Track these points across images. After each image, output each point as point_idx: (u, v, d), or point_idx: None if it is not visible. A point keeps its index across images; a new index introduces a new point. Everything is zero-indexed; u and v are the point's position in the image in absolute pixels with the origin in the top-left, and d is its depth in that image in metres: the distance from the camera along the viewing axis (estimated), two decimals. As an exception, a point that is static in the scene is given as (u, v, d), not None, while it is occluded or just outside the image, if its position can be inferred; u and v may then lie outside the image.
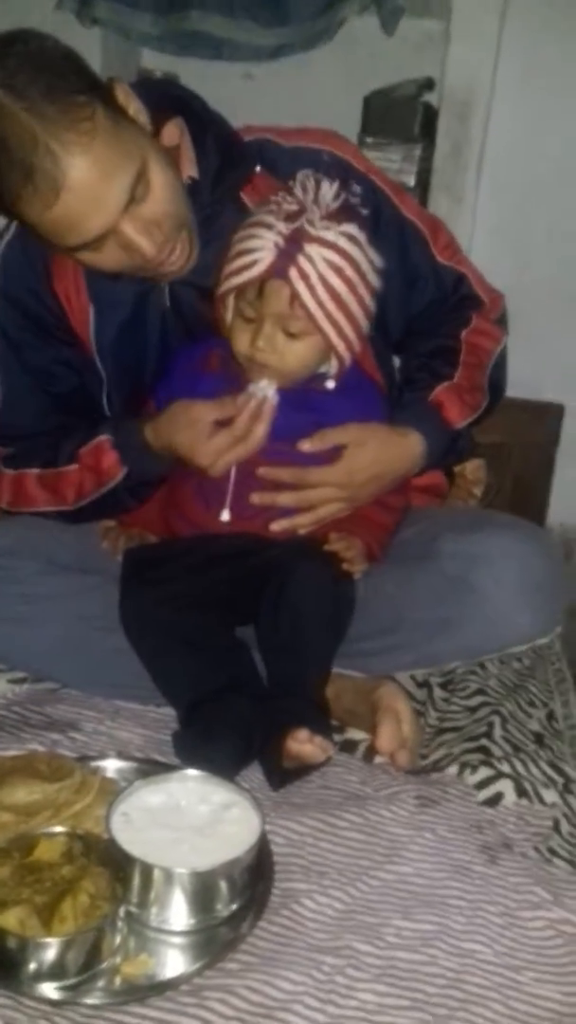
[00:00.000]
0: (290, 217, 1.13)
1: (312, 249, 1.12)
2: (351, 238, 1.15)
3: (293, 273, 1.12)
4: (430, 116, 1.91)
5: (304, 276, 1.12)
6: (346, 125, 1.75)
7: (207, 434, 1.18)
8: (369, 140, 1.89)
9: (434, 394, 1.28)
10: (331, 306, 1.14)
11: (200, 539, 1.26)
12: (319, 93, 1.97)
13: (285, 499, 1.22)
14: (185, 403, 1.21)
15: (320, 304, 1.13)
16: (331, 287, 1.13)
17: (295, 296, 1.13)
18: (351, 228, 1.15)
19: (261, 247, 1.12)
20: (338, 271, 1.14)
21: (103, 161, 1.07)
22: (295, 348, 1.17)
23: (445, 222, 1.44)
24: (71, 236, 1.12)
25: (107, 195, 1.09)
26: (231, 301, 1.18)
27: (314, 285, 1.12)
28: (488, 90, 1.86)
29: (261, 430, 1.17)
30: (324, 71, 1.99)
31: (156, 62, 2.07)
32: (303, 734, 1.07)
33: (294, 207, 1.13)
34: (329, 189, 1.15)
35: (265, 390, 1.18)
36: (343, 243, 1.14)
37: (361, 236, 1.16)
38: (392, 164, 1.88)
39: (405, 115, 1.91)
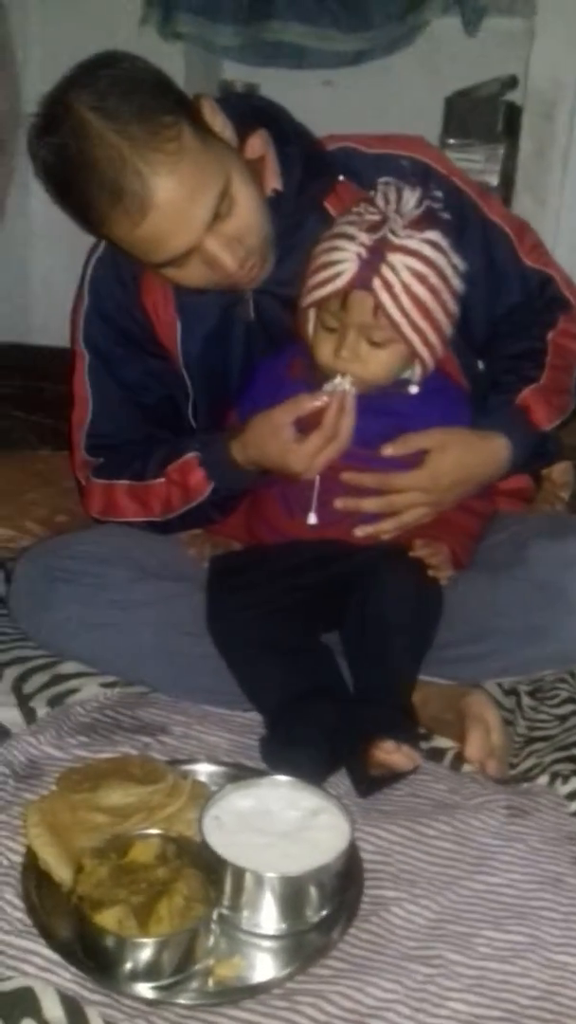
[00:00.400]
0: (372, 227, 1.13)
1: (395, 258, 1.12)
2: (434, 245, 1.15)
3: (377, 283, 1.12)
4: (514, 115, 1.89)
5: (388, 286, 1.12)
6: (428, 128, 1.75)
7: (295, 440, 1.18)
8: (451, 141, 1.88)
9: (521, 397, 1.27)
10: (415, 315, 1.14)
11: (284, 546, 1.27)
12: (400, 97, 1.97)
13: (369, 504, 1.23)
14: (265, 414, 1.21)
15: (404, 313, 1.13)
16: (415, 295, 1.13)
17: (379, 306, 1.13)
18: (433, 235, 1.15)
19: (344, 259, 1.13)
20: (422, 279, 1.13)
21: (189, 181, 1.10)
22: (379, 357, 1.17)
23: (529, 224, 1.42)
24: (157, 253, 1.15)
25: (192, 214, 1.11)
26: (312, 312, 1.19)
27: (398, 295, 1.12)
28: (573, 88, 1.83)
29: (347, 424, 1.17)
30: (405, 74, 1.98)
31: (237, 73, 2.10)
32: (390, 744, 1.07)
33: (376, 217, 1.13)
34: (411, 196, 1.15)
35: (342, 385, 1.18)
36: (426, 250, 1.14)
37: (444, 242, 1.16)
38: (475, 164, 1.86)
39: (488, 115, 1.89)
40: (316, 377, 1.21)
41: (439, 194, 1.20)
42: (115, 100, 1.08)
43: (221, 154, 1.15)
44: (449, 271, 1.16)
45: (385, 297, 1.12)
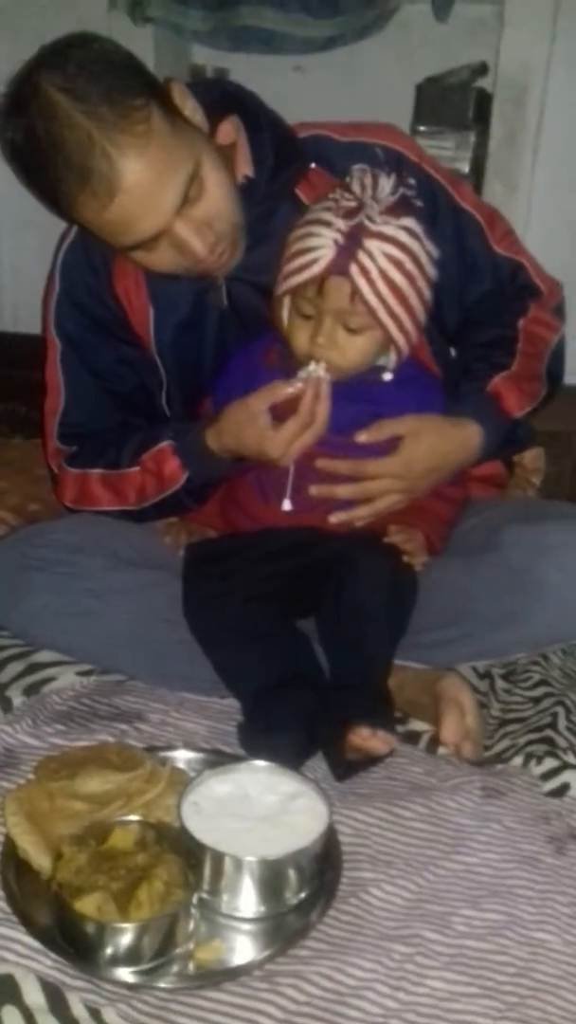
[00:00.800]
0: (348, 213, 1.13)
1: (372, 244, 1.12)
2: (409, 231, 1.15)
3: (354, 269, 1.12)
4: (484, 102, 1.89)
5: (365, 272, 1.12)
6: (399, 114, 1.74)
7: (271, 426, 1.18)
8: (422, 129, 1.87)
9: (492, 384, 1.28)
10: (391, 301, 1.14)
11: (260, 533, 1.27)
12: (371, 83, 1.96)
13: (343, 491, 1.23)
14: (240, 401, 1.21)
15: (381, 299, 1.14)
16: (391, 281, 1.13)
17: (356, 292, 1.13)
18: (409, 221, 1.15)
19: (320, 245, 1.13)
20: (398, 265, 1.14)
21: (157, 163, 1.09)
22: (355, 343, 1.17)
23: (500, 210, 1.43)
24: (125, 236, 1.14)
25: (161, 197, 1.10)
26: (287, 300, 1.19)
27: (375, 280, 1.13)
28: (543, 74, 1.82)
29: (323, 410, 1.17)
30: (375, 60, 1.97)
31: (207, 57, 2.08)
32: (366, 730, 1.08)
33: (352, 203, 1.13)
34: (386, 183, 1.15)
35: (317, 371, 1.18)
36: (402, 237, 1.14)
37: (419, 228, 1.16)
38: (446, 152, 1.86)
39: (458, 102, 1.88)
40: (291, 365, 1.21)
41: (412, 181, 1.20)
42: (84, 81, 1.06)
43: (191, 138, 1.14)
44: (424, 258, 1.17)
45: (362, 283, 1.12)
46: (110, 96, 1.07)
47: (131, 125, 1.07)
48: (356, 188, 1.14)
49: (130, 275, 1.29)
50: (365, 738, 1.08)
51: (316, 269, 1.13)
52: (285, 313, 1.20)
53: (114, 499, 1.33)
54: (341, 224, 1.12)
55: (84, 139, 1.06)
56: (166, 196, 1.11)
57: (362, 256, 1.12)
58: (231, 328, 1.30)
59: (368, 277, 1.12)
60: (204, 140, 1.17)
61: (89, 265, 1.31)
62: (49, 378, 1.38)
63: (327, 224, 1.13)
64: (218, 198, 1.16)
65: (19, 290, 2.27)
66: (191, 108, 1.18)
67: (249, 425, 1.19)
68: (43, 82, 1.08)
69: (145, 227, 1.12)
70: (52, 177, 1.10)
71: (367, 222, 1.12)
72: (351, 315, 1.15)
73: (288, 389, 1.18)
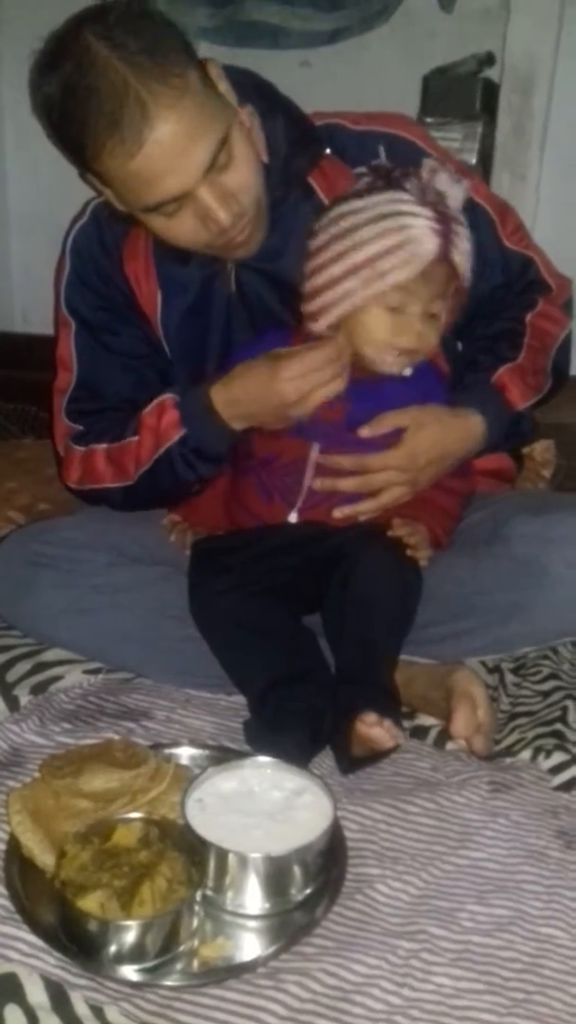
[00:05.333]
0: (432, 203, 1.13)
1: (459, 229, 1.15)
2: (465, 216, 1.18)
3: (454, 254, 1.14)
4: (491, 92, 1.87)
5: (462, 255, 1.15)
6: (405, 106, 1.74)
7: (286, 369, 1.14)
8: (429, 120, 1.86)
9: (496, 375, 1.27)
10: (468, 281, 1.18)
11: (264, 528, 1.26)
12: (377, 75, 1.95)
13: (347, 484, 1.22)
14: (265, 363, 1.18)
15: (466, 280, 1.17)
16: (471, 262, 1.17)
17: (456, 275, 1.15)
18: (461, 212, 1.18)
19: (421, 235, 1.12)
20: (471, 246, 1.17)
21: (190, 120, 1.08)
22: (436, 328, 1.18)
23: (508, 200, 1.42)
24: (148, 193, 1.12)
25: (190, 155, 1.09)
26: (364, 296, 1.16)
27: (465, 261, 1.16)
28: (551, 64, 1.81)
29: (339, 367, 1.16)
30: (382, 53, 1.96)
31: (213, 53, 2.05)
32: (371, 717, 1.07)
33: (429, 194, 1.14)
34: (444, 173, 1.16)
35: (339, 339, 1.17)
36: (464, 221, 1.17)
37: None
38: (453, 143, 1.85)
39: (465, 92, 1.87)
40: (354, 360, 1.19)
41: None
42: (123, 31, 1.06)
43: (224, 106, 1.14)
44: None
45: (462, 262, 1.15)
46: (150, 48, 1.07)
47: (168, 77, 1.06)
48: (425, 176, 1.15)
49: (140, 257, 1.29)
50: (370, 725, 1.06)
51: (427, 257, 1.12)
52: (344, 310, 1.16)
53: (116, 474, 1.31)
54: (430, 212, 1.13)
55: (120, 84, 1.05)
56: (195, 155, 1.09)
57: (457, 240, 1.14)
58: (237, 315, 1.30)
59: (464, 260, 1.16)
60: (235, 115, 1.16)
61: (100, 245, 1.31)
62: (60, 356, 1.38)
63: (415, 215, 1.12)
64: (246, 170, 1.15)
65: (29, 292, 2.28)
66: (225, 88, 1.17)
67: (264, 366, 1.16)
68: (85, 31, 1.07)
69: (170, 185, 1.10)
70: (82, 124, 1.08)
71: (447, 210, 1.14)
72: (437, 300, 1.16)
73: (322, 353, 1.15)
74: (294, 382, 1.15)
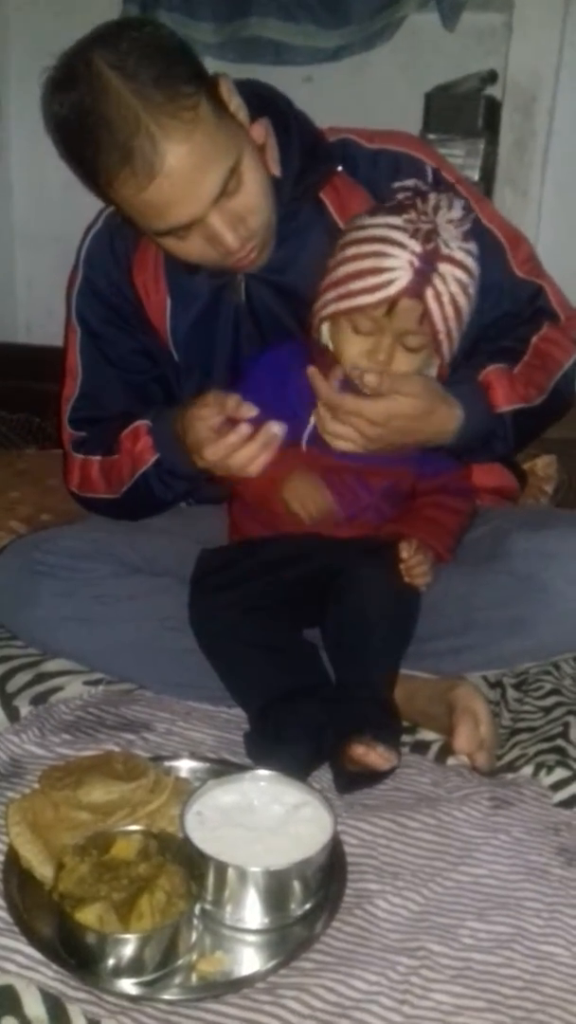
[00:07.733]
0: (426, 237, 1.11)
1: (446, 269, 1.11)
2: (473, 256, 1.15)
3: (429, 293, 1.11)
4: (493, 110, 1.89)
5: (438, 296, 1.12)
6: (408, 123, 1.75)
7: (215, 430, 1.14)
8: (432, 137, 1.87)
9: (484, 373, 1.25)
10: (453, 323, 1.14)
11: (263, 543, 1.26)
12: (380, 92, 1.96)
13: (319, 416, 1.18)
14: (199, 399, 1.18)
15: (446, 322, 1.14)
16: (457, 305, 1.13)
17: (427, 315, 1.12)
18: (473, 246, 1.15)
19: (396, 266, 1.11)
20: (464, 289, 1.13)
21: (200, 152, 1.09)
22: (411, 361, 1.16)
23: (510, 217, 1.42)
24: (159, 221, 1.14)
25: (200, 186, 1.10)
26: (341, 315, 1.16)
27: (444, 304, 1.12)
28: (552, 81, 1.83)
29: (261, 461, 1.14)
30: (384, 70, 1.98)
31: (216, 69, 2.07)
32: (361, 747, 1.07)
33: (429, 226, 1.11)
34: (458, 205, 1.13)
35: (272, 428, 1.13)
36: (469, 262, 1.14)
37: (476, 251, 1.16)
38: (456, 160, 1.86)
39: (468, 110, 1.89)
40: (332, 373, 1.18)
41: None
42: (136, 61, 1.07)
43: (234, 132, 1.14)
44: (477, 281, 1.16)
45: (434, 307, 1.12)
46: (161, 79, 1.07)
47: (179, 111, 1.07)
48: (430, 207, 1.12)
49: (149, 267, 1.30)
50: (363, 753, 1.07)
51: (392, 290, 1.11)
52: (326, 327, 1.18)
53: (107, 487, 1.34)
54: (417, 247, 1.10)
55: (131, 118, 1.06)
56: (205, 185, 1.11)
57: (436, 280, 1.11)
58: (246, 324, 1.31)
59: (440, 301, 1.12)
60: (246, 137, 1.17)
61: (112, 255, 1.33)
62: (68, 363, 1.40)
63: (401, 246, 1.11)
64: (255, 195, 1.16)
65: (34, 303, 2.30)
66: (236, 105, 1.18)
67: (197, 421, 1.17)
68: (96, 58, 1.08)
69: (180, 213, 1.12)
70: (94, 153, 1.10)
71: (442, 246, 1.11)
72: (414, 335, 1.14)
73: (243, 429, 1.13)
74: (216, 450, 1.14)
